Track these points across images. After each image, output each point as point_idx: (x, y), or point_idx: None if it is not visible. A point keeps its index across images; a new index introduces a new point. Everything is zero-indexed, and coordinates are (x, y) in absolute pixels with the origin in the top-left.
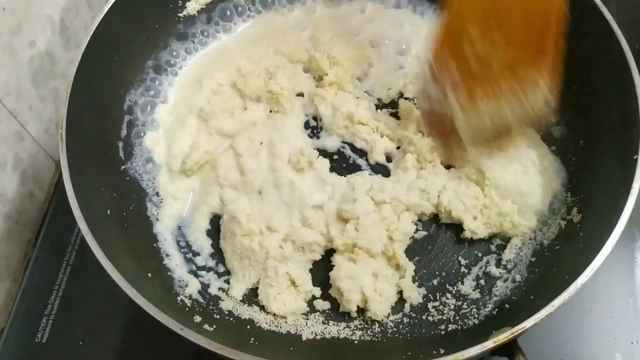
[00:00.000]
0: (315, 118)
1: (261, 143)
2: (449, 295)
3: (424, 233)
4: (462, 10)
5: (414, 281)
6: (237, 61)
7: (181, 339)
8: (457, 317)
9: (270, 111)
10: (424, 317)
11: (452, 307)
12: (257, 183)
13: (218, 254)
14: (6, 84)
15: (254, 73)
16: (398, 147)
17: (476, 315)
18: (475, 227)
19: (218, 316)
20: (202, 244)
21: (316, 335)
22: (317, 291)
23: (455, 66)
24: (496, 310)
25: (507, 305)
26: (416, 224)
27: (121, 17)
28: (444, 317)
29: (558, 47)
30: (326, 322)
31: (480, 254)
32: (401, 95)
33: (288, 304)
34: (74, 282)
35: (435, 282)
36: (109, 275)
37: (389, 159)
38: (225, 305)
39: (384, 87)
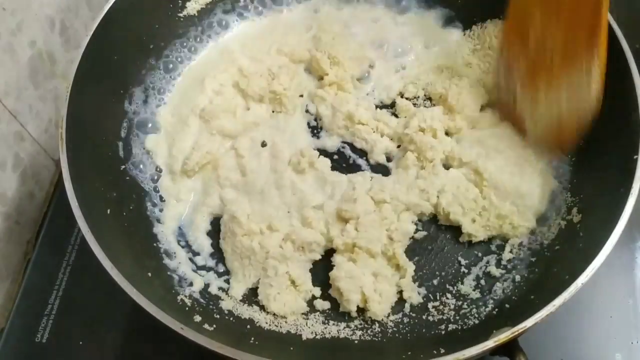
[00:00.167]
0: (316, 118)
1: (263, 144)
2: (449, 295)
3: (424, 233)
4: None
5: (414, 281)
6: (239, 61)
7: (181, 338)
8: (457, 317)
9: (273, 111)
10: (424, 317)
11: (452, 307)
12: (258, 184)
13: (218, 253)
14: (6, 84)
15: (256, 73)
16: (398, 146)
17: (476, 315)
18: (474, 230)
19: (218, 316)
20: (202, 243)
21: (316, 335)
22: (317, 291)
23: (522, 54)
24: (496, 310)
25: (507, 305)
26: (416, 224)
27: (121, 17)
28: (444, 317)
29: (606, 32)
30: (326, 322)
31: (480, 254)
32: (401, 95)
33: (288, 304)
34: (74, 282)
35: (435, 282)
36: (109, 275)
37: (389, 158)
38: (225, 304)
39: (385, 88)
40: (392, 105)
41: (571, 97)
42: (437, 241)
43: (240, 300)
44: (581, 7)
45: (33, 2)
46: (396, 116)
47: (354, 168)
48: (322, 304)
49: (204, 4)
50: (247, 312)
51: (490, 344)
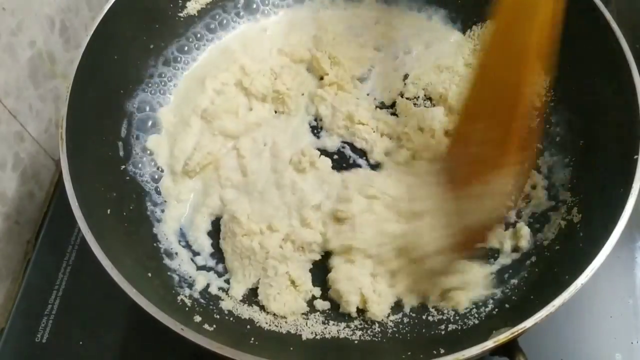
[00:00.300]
0: (316, 118)
1: (265, 144)
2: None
3: None
4: (472, 103)
5: None
6: (241, 60)
7: (181, 339)
8: (457, 317)
9: (275, 112)
10: (424, 317)
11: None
12: (259, 184)
13: (218, 253)
14: (6, 84)
15: (259, 72)
16: (397, 145)
17: (476, 315)
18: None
19: (218, 316)
20: (203, 243)
21: (316, 335)
22: (317, 291)
23: (458, 156)
24: (496, 310)
25: (507, 305)
26: None
27: (121, 17)
28: (444, 317)
29: (519, 144)
30: (326, 322)
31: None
32: (401, 95)
33: (288, 304)
34: (74, 282)
35: None
36: (109, 275)
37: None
38: (225, 305)
39: (385, 88)
40: (393, 105)
41: (489, 203)
42: None
43: (240, 301)
44: (506, 116)
45: (33, 2)
46: (396, 116)
47: (354, 168)
48: (322, 304)
49: (204, 3)
50: (247, 312)
51: (489, 344)
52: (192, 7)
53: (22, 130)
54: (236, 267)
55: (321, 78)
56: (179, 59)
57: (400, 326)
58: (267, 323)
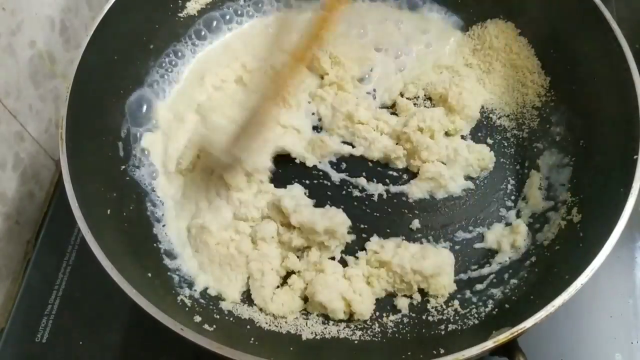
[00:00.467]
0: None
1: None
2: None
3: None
4: None
5: None
6: (242, 58)
7: (181, 339)
8: (457, 317)
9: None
10: (423, 317)
11: (452, 307)
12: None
13: None
14: (6, 84)
15: (259, 70)
16: (397, 144)
17: (476, 315)
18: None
19: (218, 316)
20: None
21: (316, 335)
22: None
23: None
24: (496, 310)
25: (507, 305)
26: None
27: (121, 17)
28: (444, 317)
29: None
30: (326, 322)
31: (478, 256)
32: (401, 95)
33: (286, 304)
34: (74, 282)
35: None
36: (109, 275)
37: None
38: (225, 305)
39: (386, 89)
40: (393, 106)
41: None
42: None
43: (241, 301)
44: None
45: (33, 2)
46: (396, 115)
47: (354, 168)
48: None
49: (204, 3)
50: (247, 312)
51: (489, 344)
52: (192, 7)
53: (22, 130)
54: (218, 275)
55: (322, 77)
56: (178, 59)
57: (400, 326)
58: (267, 323)
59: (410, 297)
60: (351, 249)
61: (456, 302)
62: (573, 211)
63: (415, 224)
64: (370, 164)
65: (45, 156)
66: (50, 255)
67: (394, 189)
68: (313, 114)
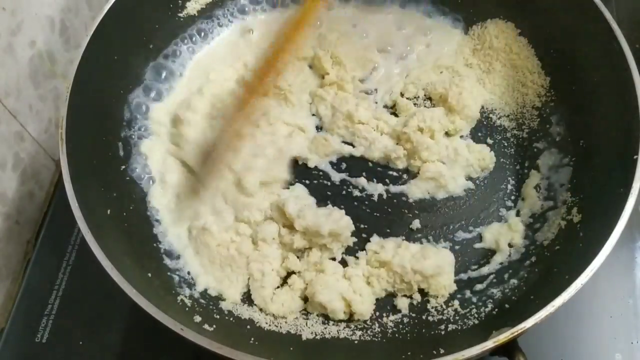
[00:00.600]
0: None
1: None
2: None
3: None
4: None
5: None
6: (243, 58)
7: (181, 339)
8: (457, 317)
9: None
10: (423, 317)
11: (452, 307)
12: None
13: None
14: (6, 84)
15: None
16: (397, 144)
17: (476, 316)
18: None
19: (218, 316)
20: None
21: (316, 335)
22: None
23: None
24: (496, 310)
25: (507, 305)
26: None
27: (121, 17)
28: (444, 317)
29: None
30: (326, 322)
31: (478, 256)
32: (401, 95)
33: (286, 304)
34: (74, 282)
35: None
36: (109, 275)
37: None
38: (225, 305)
39: (386, 90)
40: (393, 106)
41: None
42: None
43: (241, 301)
44: None
45: (33, 2)
46: (396, 116)
47: (352, 167)
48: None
49: (204, 3)
50: (247, 312)
51: (489, 344)
52: (192, 7)
53: (22, 130)
54: (219, 277)
55: (322, 77)
56: (178, 59)
57: (400, 326)
58: (267, 323)
59: (410, 297)
60: (351, 249)
61: (456, 302)
62: (573, 211)
63: (416, 224)
64: (370, 164)
65: (45, 156)
66: (50, 255)
67: (394, 189)
68: (314, 114)
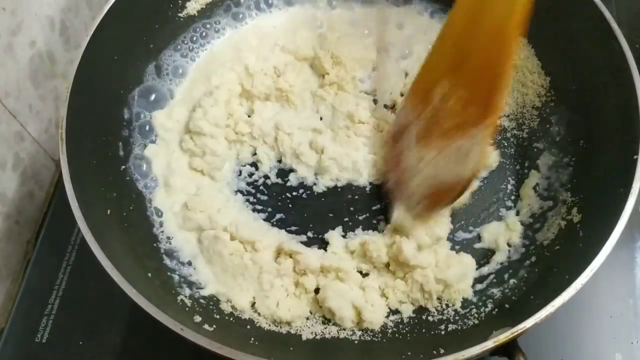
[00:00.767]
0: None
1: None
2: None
3: None
4: (438, 63)
5: None
6: (245, 60)
7: (181, 339)
8: (457, 317)
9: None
10: (423, 317)
11: (452, 307)
12: None
13: None
14: (6, 84)
15: (261, 71)
16: None
17: (476, 316)
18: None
19: (218, 316)
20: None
21: (316, 335)
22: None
23: (421, 114)
24: (496, 310)
25: (507, 305)
26: None
27: (121, 17)
28: (444, 317)
29: (501, 106)
30: (326, 322)
31: (478, 256)
32: (402, 95)
33: (293, 309)
34: (74, 282)
35: None
36: (109, 275)
37: None
38: (225, 305)
39: (385, 89)
40: (393, 106)
41: (456, 165)
42: None
43: (250, 308)
44: (482, 83)
45: (33, 2)
46: None
47: None
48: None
49: (204, 3)
50: (247, 312)
51: (489, 344)
52: (192, 7)
53: (22, 130)
54: (231, 284)
55: (322, 77)
56: (178, 59)
57: (400, 326)
58: (267, 323)
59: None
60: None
61: (457, 302)
62: (573, 211)
63: None
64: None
65: (45, 156)
66: (50, 255)
67: None
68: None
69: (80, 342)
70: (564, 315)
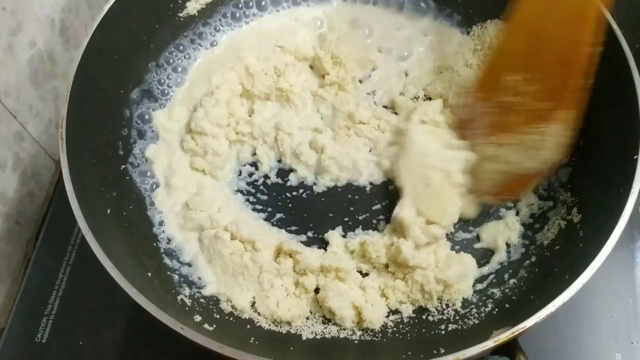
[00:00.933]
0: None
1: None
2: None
3: None
4: (509, 53)
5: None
6: (245, 60)
7: (181, 338)
8: (457, 317)
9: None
10: (424, 317)
11: (452, 307)
12: None
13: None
14: (6, 84)
15: (261, 72)
16: None
17: (476, 315)
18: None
19: (218, 316)
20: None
21: (316, 335)
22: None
23: (489, 103)
24: (496, 310)
25: (507, 305)
26: None
27: (121, 17)
28: (444, 317)
29: (580, 98)
30: (326, 322)
31: (478, 256)
32: (401, 95)
33: (293, 308)
34: (74, 282)
35: None
36: (109, 275)
37: None
38: (225, 305)
39: (386, 91)
40: (393, 106)
41: (526, 157)
42: None
43: (250, 307)
44: (556, 73)
45: (33, 2)
46: (397, 114)
47: None
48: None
49: (204, 3)
50: (247, 312)
51: (490, 344)
52: (192, 7)
53: (22, 130)
54: (231, 284)
55: (323, 77)
56: (179, 59)
57: (400, 326)
58: (267, 323)
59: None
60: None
61: (457, 302)
62: (573, 211)
63: None
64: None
65: (45, 156)
66: (50, 255)
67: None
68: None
69: (80, 342)
70: (564, 315)
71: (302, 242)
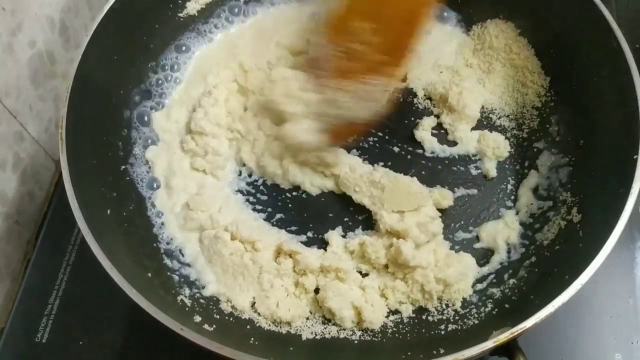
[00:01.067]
0: None
1: None
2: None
3: None
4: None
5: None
6: (239, 57)
7: (181, 339)
8: (457, 317)
9: None
10: (423, 317)
11: (452, 307)
12: None
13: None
14: (6, 84)
15: (255, 67)
16: None
17: (476, 315)
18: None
19: (218, 316)
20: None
21: (316, 335)
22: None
23: (337, 47)
24: (496, 310)
25: (507, 305)
26: None
27: (121, 17)
28: (444, 317)
29: (408, 57)
30: (326, 322)
31: (478, 256)
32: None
33: (293, 308)
34: (74, 282)
35: None
36: (109, 275)
37: None
38: (225, 305)
39: None
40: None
41: (359, 104)
42: None
43: (250, 308)
44: (400, 28)
45: (33, 2)
46: None
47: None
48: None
49: (204, 3)
50: (247, 312)
51: (489, 344)
52: (192, 7)
53: (22, 130)
54: (231, 284)
55: None
56: (178, 59)
57: (400, 326)
58: (267, 323)
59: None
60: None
61: (456, 302)
62: (573, 211)
63: None
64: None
65: (45, 156)
66: (50, 255)
67: None
68: None
69: (80, 342)
70: (564, 315)
71: (302, 242)
